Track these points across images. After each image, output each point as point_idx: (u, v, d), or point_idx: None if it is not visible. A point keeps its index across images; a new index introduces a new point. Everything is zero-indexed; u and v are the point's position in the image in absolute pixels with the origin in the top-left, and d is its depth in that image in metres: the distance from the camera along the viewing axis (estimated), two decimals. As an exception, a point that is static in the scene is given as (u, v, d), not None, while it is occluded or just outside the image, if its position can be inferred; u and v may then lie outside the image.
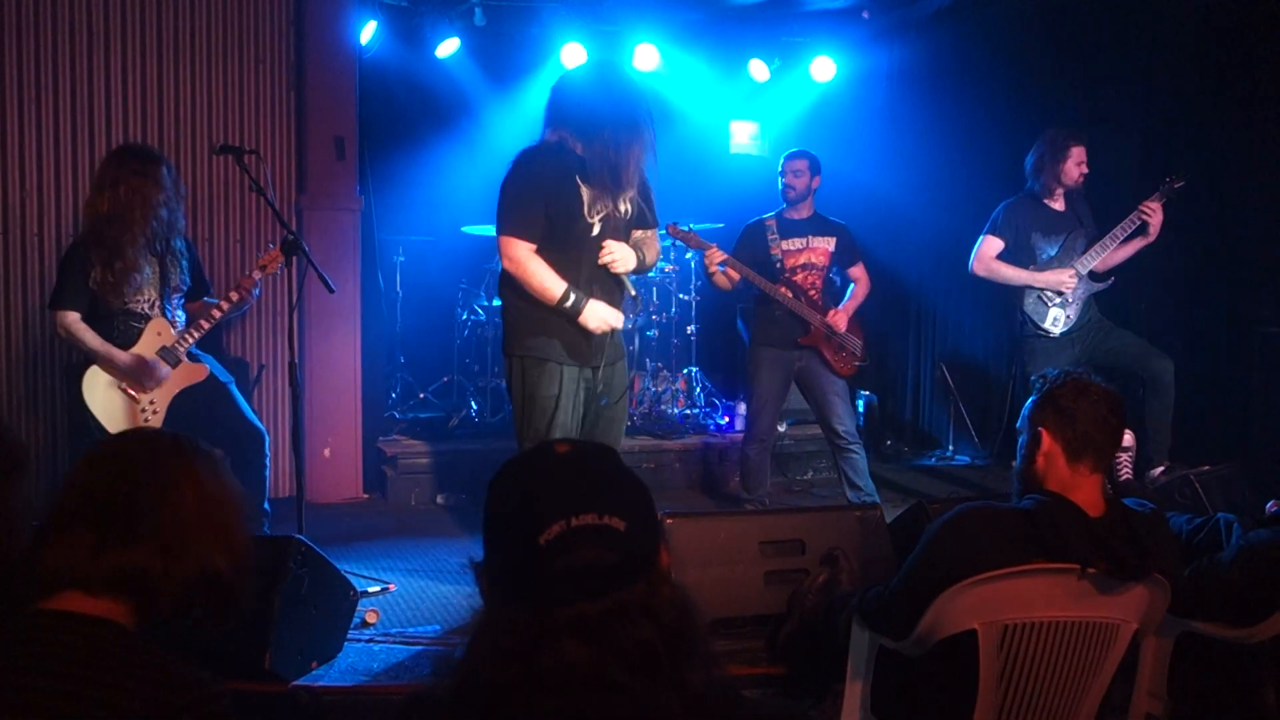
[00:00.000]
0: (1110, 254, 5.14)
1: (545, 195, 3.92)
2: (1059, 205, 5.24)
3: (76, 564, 1.56)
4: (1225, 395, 5.75)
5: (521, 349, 4.06)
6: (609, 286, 4.10)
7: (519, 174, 3.95)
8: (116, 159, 4.39)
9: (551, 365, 4.02)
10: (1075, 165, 5.14)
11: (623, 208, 4.07)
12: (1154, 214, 5.03)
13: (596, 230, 4.03)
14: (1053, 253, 5.19)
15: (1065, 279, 5.10)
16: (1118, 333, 5.25)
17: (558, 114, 3.96)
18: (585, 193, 3.97)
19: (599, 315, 3.98)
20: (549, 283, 3.92)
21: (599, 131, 3.85)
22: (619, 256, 4.01)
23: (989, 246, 5.22)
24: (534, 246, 3.92)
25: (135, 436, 1.75)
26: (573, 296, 3.92)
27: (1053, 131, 5.24)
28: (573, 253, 3.97)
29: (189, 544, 1.60)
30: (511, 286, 4.04)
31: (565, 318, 3.96)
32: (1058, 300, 5.12)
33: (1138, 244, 5.13)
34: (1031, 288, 5.15)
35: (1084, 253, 5.16)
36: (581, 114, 3.89)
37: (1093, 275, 5.19)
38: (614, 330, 4.11)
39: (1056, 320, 5.12)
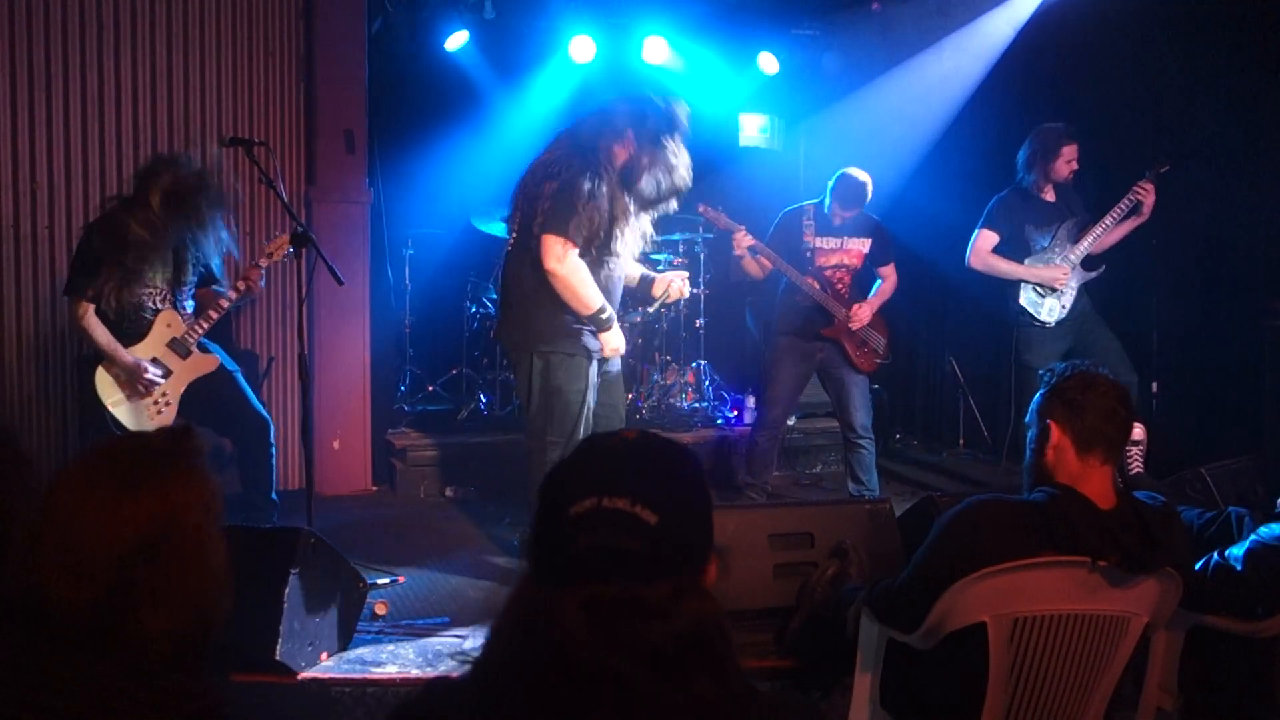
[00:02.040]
0: (1104, 236, 5.29)
1: (601, 205, 4.01)
2: (1049, 197, 5.37)
3: None
4: (1236, 389, 5.73)
5: (548, 345, 4.09)
6: (618, 298, 4.29)
7: (578, 182, 3.99)
8: (168, 174, 4.37)
9: (580, 359, 4.07)
10: (1065, 163, 5.29)
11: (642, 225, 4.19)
12: (1148, 194, 5.19)
13: (621, 241, 4.17)
14: (1045, 243, 5.33)
15: (1059, 275, 5.25)
16: (1102, 331, 5.39)
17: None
18: (629, 206, 4.07)
19: (616, 340, 4.16)
20: (591, 294, 4.03)
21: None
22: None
23: (984, 241, 5.36)
24: (578, 250, 4.02)
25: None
26: (607, 312, 4.07)
27: (1046, 128, 5.35)
28: (603, 261, 4.10)
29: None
30: (540, 283, 4.05)
31: (590, 325, 4.06)
32: (1050, 292, 5.26)
33: (1131, 224, 5.29)
34: (1026, 280, 5.29)
35: (1077, 241, 5.29)
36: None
37: (1084, 264, 5.32)
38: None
39: (1052, 310, 5.27)
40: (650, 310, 4.45)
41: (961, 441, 7.43)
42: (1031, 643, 2.29)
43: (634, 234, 4.16)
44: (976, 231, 5.38)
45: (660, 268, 7.05)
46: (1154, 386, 5.39)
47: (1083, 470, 2.40)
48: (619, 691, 1.17)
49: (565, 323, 4.07)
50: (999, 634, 2.28)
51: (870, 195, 5.38)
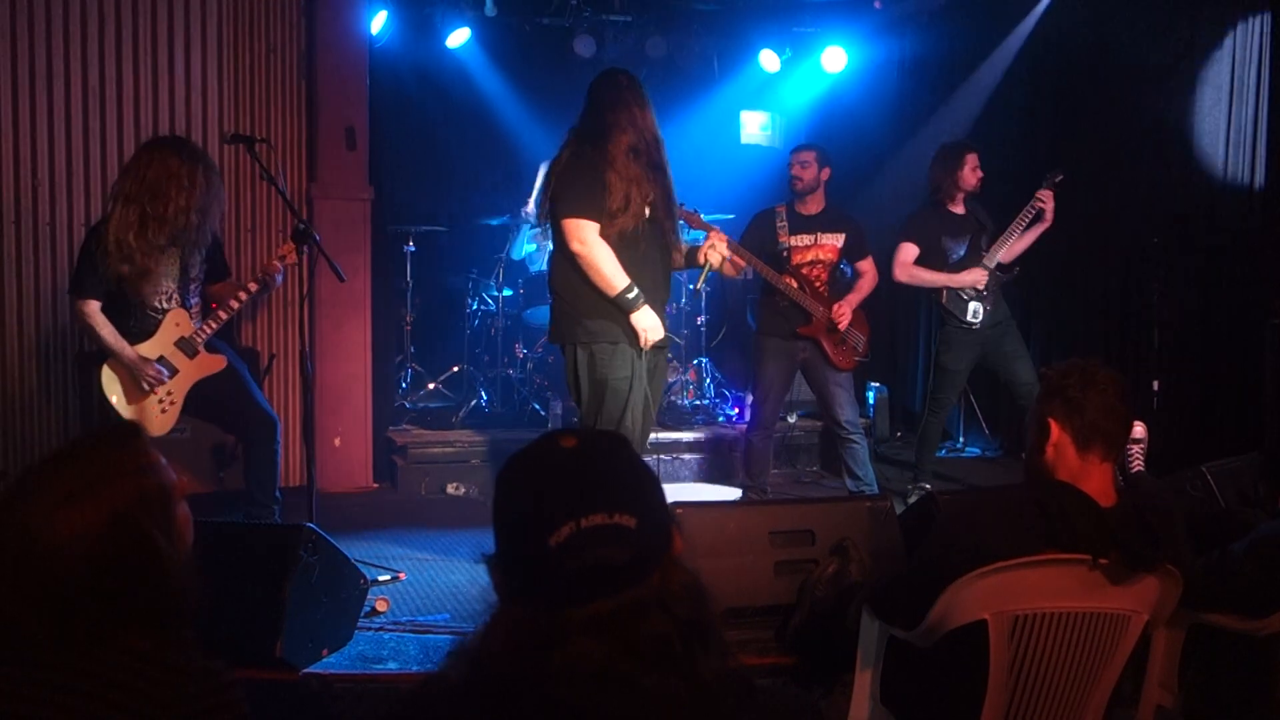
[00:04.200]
0: (1014, 244, 5.56)
1: (605, 181, 4.03)
2: (959, 209, 5.63)
3: None
4: (1238, 388, 5.73)
5: (588, 335, 4.12)
6: (659, 283, 4.23)
7: (578, 160, 4.05)
8: (157, 151, 4.32)
9: (623, 347, 4.10)
10: (972, 171, 5.55)
11: (660, 203, 4.20)
12: (1047, 201, 5.46)
13: (646, 216, 4.15)
14: (961, 253, 5.58)
15: (979, 278, 5.52)
16: (1014, 336, 5.67)
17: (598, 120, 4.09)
18: (637, 173, 4.09)
19: (647, 321, 4.10)
20: (615, 273, 4.04)
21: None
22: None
23: (906, 254, 5.61)
24: (599, 227, 4.03)
25: None
26: (634, 292, 4.05)
27: (949, 143, 5.68)
28: (623, 241, 4.08)
29: None
30: (575, 270, 4.10)
31: (618, 308, 4.06)
32: (974, 295, 5.52)
33: (1038, 230, 5.54)
34: (949, 286, 5.54)
35: (989, 249, 5.55)
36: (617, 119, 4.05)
37: (1000, 268, 5.58)
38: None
39: (976, 313, 5.54)
40: (700, 283, 4.43)
41: (962, 440, 7.44)
42: (1032, 641, 2.29)
43: (649, 202, 4.12)
44: (898, 246, 5.62)
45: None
46: (1155, 385, 5.41)
47: (1083, 468, 2.40)
48: (630, 692, 1.18)
49: (600, 308, 4.09)
50: (999, 632, 2.28)
51: (824, 158, 5.43)
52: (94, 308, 4.30)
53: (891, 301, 7.12)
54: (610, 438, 1.34)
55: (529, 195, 7.08)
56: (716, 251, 4.31)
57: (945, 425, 7.64)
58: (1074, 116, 6.56)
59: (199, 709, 1.46)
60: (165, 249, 4.30)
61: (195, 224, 4.31)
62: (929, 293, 5.72)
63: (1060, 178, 5.49)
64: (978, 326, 5.53)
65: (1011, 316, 5.69)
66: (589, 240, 4.02)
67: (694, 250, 4.45)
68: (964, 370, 5.69)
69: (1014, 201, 5.65)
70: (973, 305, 5.52)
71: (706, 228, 5.21)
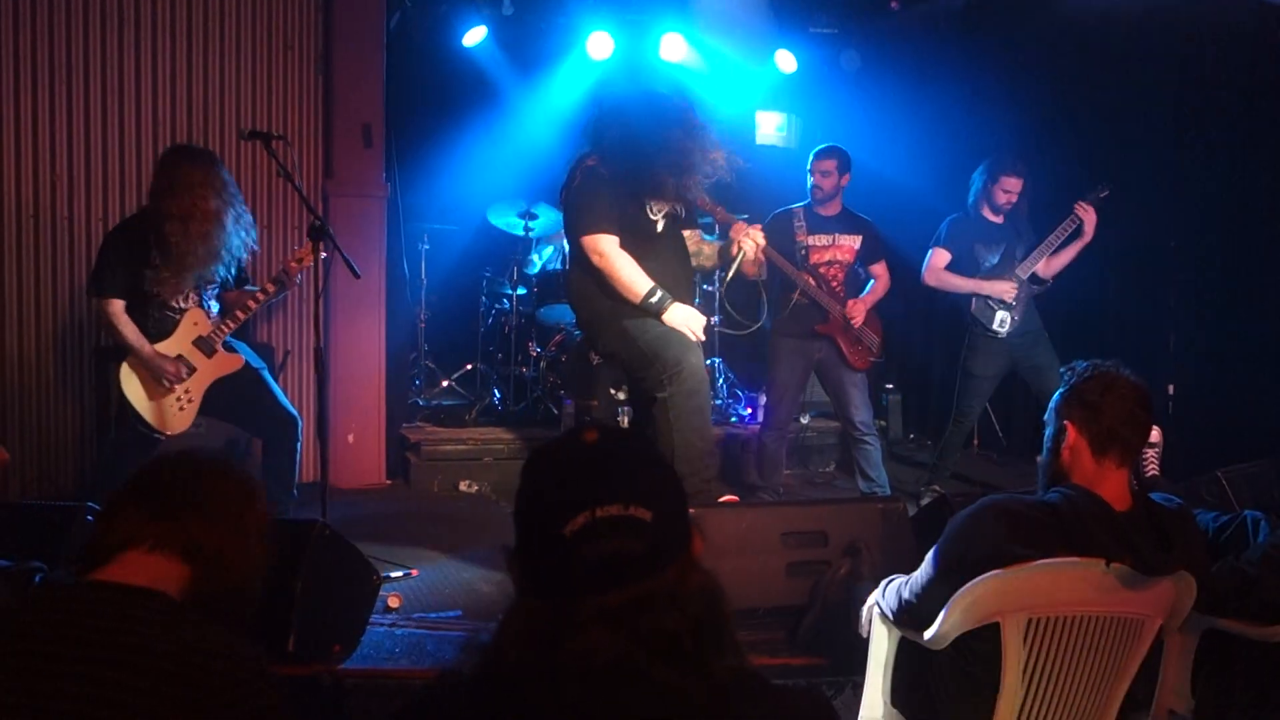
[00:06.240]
0: (1051, 258, 5.52)
1: (615, 194, 4.13)
2: (997, 219, 5.62)
3: (132, 530, 1.63)
4: (1255, 393, 5.70)
5: (625, 314, 4.18)
6: (680, 282, 4.30)
7: (587, 181, 4.15)
8: (186, 159, 4.37)
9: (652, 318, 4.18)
10: (1003, 193, 5.55)
11: (678, 208, 4.29)
12: (1087, 214, 5.40)
13: (660, 227, 4.25)
14: (994, 261, 5.59)
15: (1007, 288, 5.51)
16: (1046, 348, 5.61)
17: (604, 139, 4.17)
18: (644, 185, 4.19)
19: (683, 315, 4.17)
20: (636, 279, 4.11)
21: (645, 156, 4.09)
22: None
23: (937, 259, 5.64)
24: (618, 239, 4.11)
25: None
26: (658, 294, 4.12)
27: (993, 158, 5.64)
28: (642, 247, 4.16)
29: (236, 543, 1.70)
30: (597, 284, 4.20)
31: (649, 314, 4.13)
32: (1002, 303, 5.51)
33: (1077, 246, 5.49)
34: (977, 293, 5.54)
35: (1023, 259, 5.55)
36: (627, 140, 4.10)
37: (1033, 279, 5.57)
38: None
39: (1003, 322, 5.53)
40: (730, 274, 4.45)
41: (975, 442, 7.42)
42: (1045, 644, 2.28)
43: (661, 208, 4.20)
44: (930, 251, 5.64)
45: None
46: (1170, 389, 5.42)
47: (1098, 472, 2.39)
48: (639, 686, 1.18)
49: (636, 312, 4.18)
50: (1012, 635, 2.27)
51: (844, 164, 5.46)
52: (118, 307, 4.35)
53: (907, 304, 7.10)
54: (633, 435, 1.37)
55: (543, 195, 7.08)
56: (750, 238, 4.35)
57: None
58: (1096, 119, 6.53)
59: (247, 692, 1.51)
60: (185, 254, 4.33)
61: (214, 231, 4.34)
62: (955, 298, 5.70)
63: (1105, 193, 5.43)
64: (1004, 335, 5.51)
65: (1043, 329, 5.66)
66: (607, 251, 4.11)
67: (726, 248, 4.50)
68: (990, 378, 5.66)
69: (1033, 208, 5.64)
70: (1000, 314, 5.52)
71: (730, 219, 5.25)
